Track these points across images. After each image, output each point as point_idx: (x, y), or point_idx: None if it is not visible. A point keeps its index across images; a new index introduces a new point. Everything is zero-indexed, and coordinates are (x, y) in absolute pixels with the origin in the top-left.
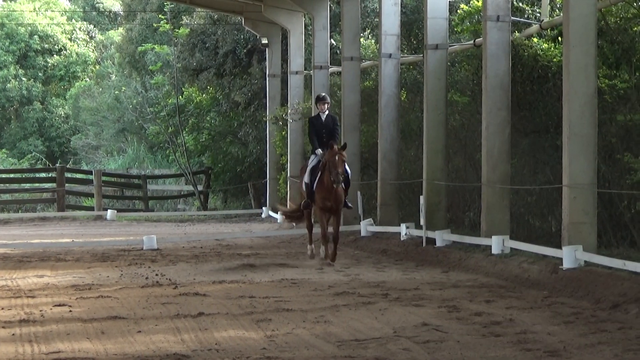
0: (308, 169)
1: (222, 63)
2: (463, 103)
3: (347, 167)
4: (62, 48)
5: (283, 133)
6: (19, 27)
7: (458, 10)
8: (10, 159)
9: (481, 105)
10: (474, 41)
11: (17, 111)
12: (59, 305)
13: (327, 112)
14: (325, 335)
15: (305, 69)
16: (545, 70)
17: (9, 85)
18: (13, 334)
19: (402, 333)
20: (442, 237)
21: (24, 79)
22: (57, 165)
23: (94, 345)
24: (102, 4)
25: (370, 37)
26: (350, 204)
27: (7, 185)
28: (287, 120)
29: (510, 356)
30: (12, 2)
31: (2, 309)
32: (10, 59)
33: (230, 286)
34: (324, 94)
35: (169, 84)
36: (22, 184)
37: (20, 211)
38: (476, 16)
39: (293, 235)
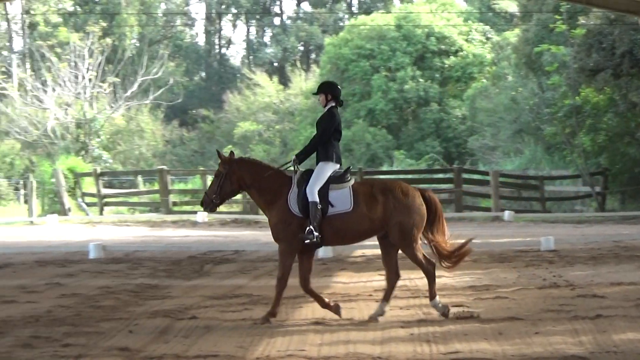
0: None
1: (618, 63)
2: None
3: (306, 188)
4: (459, 49)
5: None
6: (416, 29)
7: None
8: (408, 159)
9: None
10: None
11: (414, 112)
12: (457, 305)
13: (329, 106)
14: None
15: None
16: None
17: (406, 86)
18: (411, 334)
19: None
20: None
21: (421, 80)
22: (454, 166)
23: (491, 346)
24: (498, 4)
25: None
26: (316, 237)
27: None
28: None
29: None
30: (409, 4)
31: (401, 308)
32: (408, 61)
33: (629, 288)
34: (323, 81)
35: (566, 84)
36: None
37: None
38: None
39: None
